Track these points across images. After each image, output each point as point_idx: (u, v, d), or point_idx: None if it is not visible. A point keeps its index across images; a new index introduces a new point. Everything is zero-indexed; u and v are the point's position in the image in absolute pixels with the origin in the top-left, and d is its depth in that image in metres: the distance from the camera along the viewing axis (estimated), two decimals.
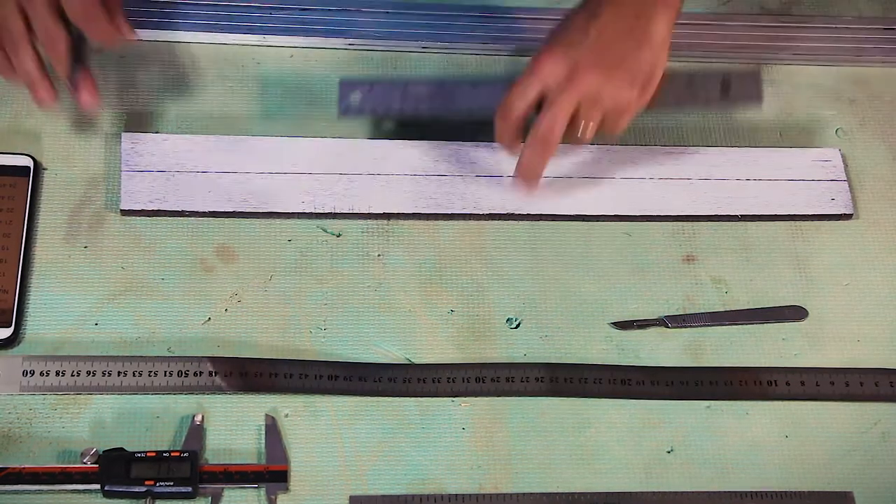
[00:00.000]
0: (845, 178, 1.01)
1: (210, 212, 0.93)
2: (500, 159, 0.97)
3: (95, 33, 0.86)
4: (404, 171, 0.96)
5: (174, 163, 0.94)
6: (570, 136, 0.90)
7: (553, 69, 0.88)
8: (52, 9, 0.85)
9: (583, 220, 0.97)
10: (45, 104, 0.88)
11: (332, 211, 0.94)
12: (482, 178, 0.97)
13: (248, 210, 0.93)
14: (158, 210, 0.92)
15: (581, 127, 0.89)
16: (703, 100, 0.97)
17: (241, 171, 0.94)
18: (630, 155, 0.99)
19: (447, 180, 0.96)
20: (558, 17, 0.91)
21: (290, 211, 0.94)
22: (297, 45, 1.02)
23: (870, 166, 1.03)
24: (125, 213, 0.92)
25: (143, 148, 0.94)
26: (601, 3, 0.89)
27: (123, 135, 0.94)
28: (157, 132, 0.96)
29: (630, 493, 0.87)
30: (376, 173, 0.96)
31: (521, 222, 0.96)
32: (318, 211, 0.94)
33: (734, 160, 1.00)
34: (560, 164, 0.97)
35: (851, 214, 1.00)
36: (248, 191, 0.94)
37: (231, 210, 0.93)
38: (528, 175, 0.92)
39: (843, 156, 1.02)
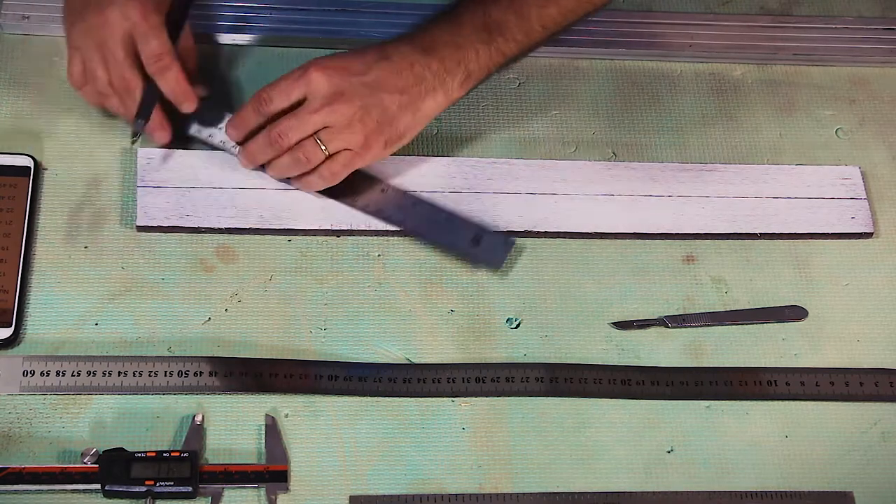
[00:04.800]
0: (865, 197, 1.00)
1: (226, 228, 0.92)
2: (519, 175, 0.97)
3: (167, 85, 0.89)
4: (421, 188, 0.96)
5: (190, 178, 0.93)
6: (301, 160, 0.90)
7: (320, 84, 0.88)
8: (130, 58, 0.88)
9: (601, 238, 0.96)
10: (158, 141, 0.93)
11: (350, 228, 0.94)
12: (499, 195, 0.96)
13: (263, 227, 0.93)
14: (174, 226, 0.92)
15: (311, 153, 0.89)
16: (451, 243, 0.94)
17: (258, 187, 0.94)
18: (647, 172, 0.99)
19: (464, 196, 0.96)
20: None
21: (308, 228, 0.93)
22: (296, 45, 1.02)
23: (870, 166, 1.03)
24: (141, 229, 0.92)
25: (159, 164, 0.94)
26: (397, 48, 0.90)
27: (140, 150, 0.94)
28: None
29: (630, 493, 0.87)
30: None
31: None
32: (335, 228, 0.93)
33: (753, 178, 1.00)
34: (577, 181, 0.98)
35: (872, 233, 0.99)
36: (265, 207, 0.93)
37: (248, 227, 0.92)
38: (248, 158, 0.92)
39: (863, 173, 1.02)
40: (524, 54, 0.94)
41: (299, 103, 0.89)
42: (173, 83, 0.89)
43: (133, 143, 0.93)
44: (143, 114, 0.90)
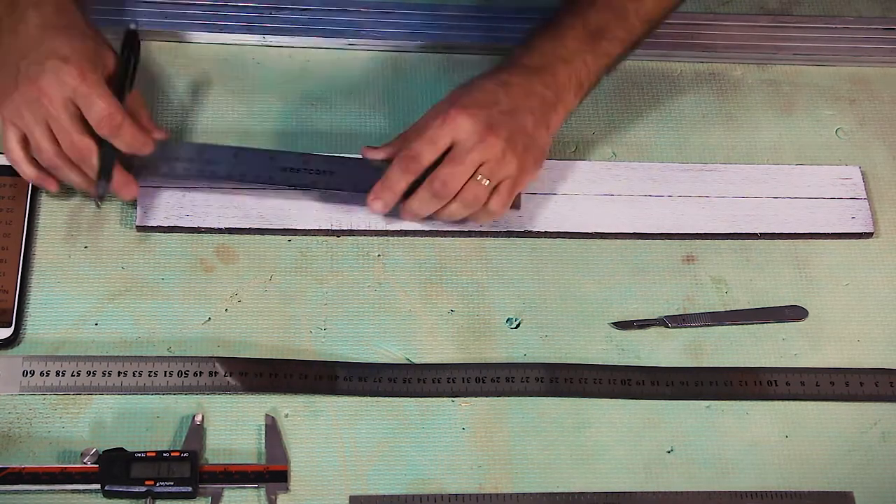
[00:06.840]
0: (865, 197, 1.00)
1: (226, 228, 0.92)
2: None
3: (122, 143, 0.85)
4: None
5: None
6: (470, 202, 0.89)
7: (466, 125, 0.87)
8: (77, 124, 0.84)
9: (601, 238, 0.96)
10: (126, 197, 0.89)
11: (350, 228, 0.94)
12: None
13: (263, 227, 0.93)
14: (174, 227, 0.92)
15: (478, 192, 0.88)
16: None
17: (258, 186, 0.93)
18: (647, 172, 0.99)
19: None
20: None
21: (308, 228, 0.93)
22: (296, 45, 1.02)
23: (870, 166, 1.03)
24: (140, 229, 0.92)
25: None
26: (512, 74, 0.90)
27: None
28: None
29: (630, 493, 0.87)
30: None
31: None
32: (335, 228, 0.93)
33: (752, 178, 1.00)
34: (577, 181, 0.98)
35: (872, 233, 0.99)
36: (264, 206, 0.93)
37: (248, 227, 0.92)
38: (411, 215, 0.91)
39: (863, 173, 1.02)
40: (628, 52, 0.94)
41: (447, 150, 0.88)
42: (129, 139, 0.85)
43: (99, 206, 0.91)
44: (105, 175, 0.86)
